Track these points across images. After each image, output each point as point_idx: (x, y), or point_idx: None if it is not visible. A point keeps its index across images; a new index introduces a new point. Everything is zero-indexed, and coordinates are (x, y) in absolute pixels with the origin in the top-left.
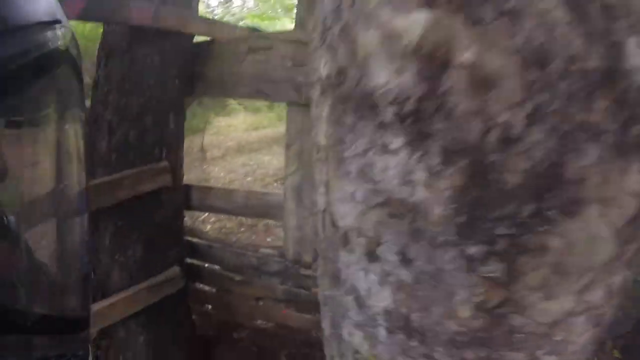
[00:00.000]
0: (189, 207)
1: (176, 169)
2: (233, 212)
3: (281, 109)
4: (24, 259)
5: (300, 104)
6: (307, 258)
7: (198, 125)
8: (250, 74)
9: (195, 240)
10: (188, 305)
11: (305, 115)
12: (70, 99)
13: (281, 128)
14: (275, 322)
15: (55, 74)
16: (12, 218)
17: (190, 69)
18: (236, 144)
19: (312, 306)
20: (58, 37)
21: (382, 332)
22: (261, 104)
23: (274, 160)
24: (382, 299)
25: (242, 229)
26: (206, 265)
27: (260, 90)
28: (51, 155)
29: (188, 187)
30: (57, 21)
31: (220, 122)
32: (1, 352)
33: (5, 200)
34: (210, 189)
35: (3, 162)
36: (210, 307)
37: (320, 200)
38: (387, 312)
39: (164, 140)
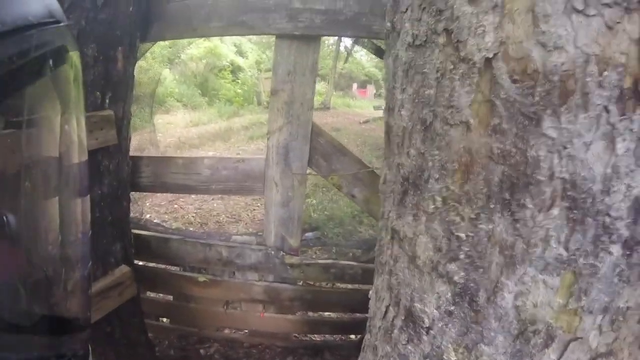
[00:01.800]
0: (136, 187)
1: (122, 125)
2: (197, 190)
3: (221, 104)
4: (25, 260)
5: (294, 36)
6: (294, 242)
7: (134, 124)
8: (227, 2)
9: (144, 233)
10: (142, 319)
11: (300, 50)
12: (71, 97)
13: (221, 124)
14: (249, 328)
15: (55, 74)
16: (12, 218)
17: (145, 5)
18: (176, 141)
19: (298, 304)
20: (58, 37)
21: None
22: (200, 100)
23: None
24: None
25: (191, 229)
26: (159, 266)
27: (241, 22)
28: (52, 154)
29: (136, 159)
30: (57, 21)
31: (158, 120)
32: (2, 352)
33: (6, 199)
34: (166, 159)
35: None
36: (167, 320)
37: None
38: None
39: (108, 82)
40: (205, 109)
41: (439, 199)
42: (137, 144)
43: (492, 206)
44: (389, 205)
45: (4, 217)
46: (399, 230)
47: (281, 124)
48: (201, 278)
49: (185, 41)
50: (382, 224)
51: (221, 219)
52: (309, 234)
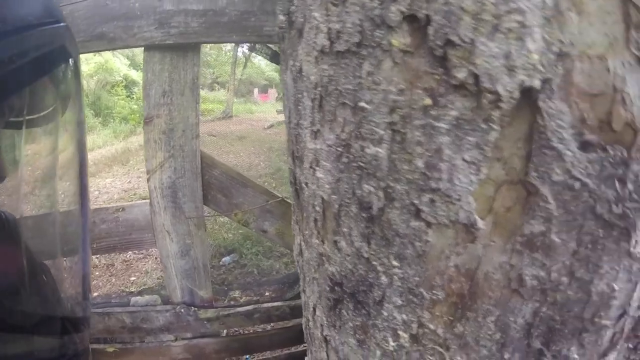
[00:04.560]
0: None
1: None
2: None
3: (116, 123)
4: (25, 260)
5: (166, 47)
6: (205, 293)
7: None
8: (84, 10)
9: None
10: None
11: (175, 63)
12: (70, 97)
13: (118, 145)
14: None
15: (54, 74)
16: (12, 218)
17: None
18: None
19: (226, 354)
20: (57, 37)
21: None
22: (94, 121)
23: (116, 182)
24: None
25: (97, 273)
26: None
27: (100, 34)
28: (52, 154)
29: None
30: (57, 21)
31: None
32: (3, 352)
33: (6, 199)
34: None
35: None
36: None
37: None
38: None
39: None
40: (99, 130)
41: (404, 335)
42: None
43: (506, 356)
44: (312, 294)
45: (4, 216)
46: (337, 349)
47: (162, 159)
48: (109, 348)
49: None
50: (303, 303)
51: (128, 256)
52: (226, 259)
